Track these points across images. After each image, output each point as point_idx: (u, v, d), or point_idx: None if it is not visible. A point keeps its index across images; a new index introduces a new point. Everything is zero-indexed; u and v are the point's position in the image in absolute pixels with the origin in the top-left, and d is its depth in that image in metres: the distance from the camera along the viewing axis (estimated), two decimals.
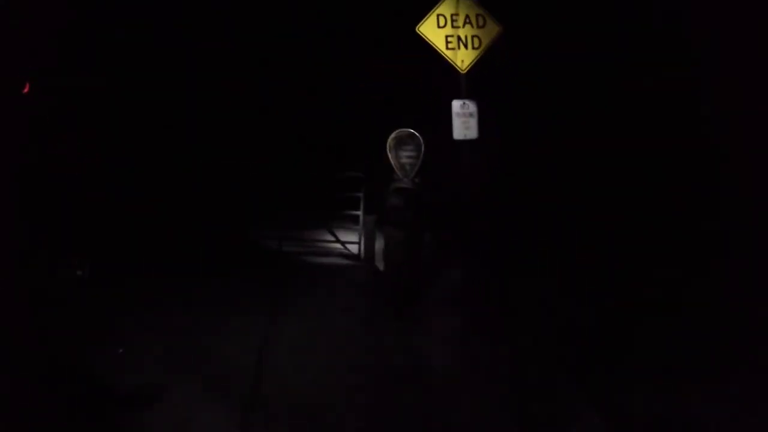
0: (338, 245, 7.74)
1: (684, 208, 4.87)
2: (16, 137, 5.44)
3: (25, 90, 6.44)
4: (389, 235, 5.42)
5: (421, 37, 5.52)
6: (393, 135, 5.41)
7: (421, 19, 5.50)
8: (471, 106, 5.47)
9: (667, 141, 5.16)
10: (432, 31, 5.55)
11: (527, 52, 5.45)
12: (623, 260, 5.09)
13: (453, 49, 5.51)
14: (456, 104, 5.50)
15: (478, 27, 5.51)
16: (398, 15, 6.91)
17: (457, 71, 5.47)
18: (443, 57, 5.51)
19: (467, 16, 5.52)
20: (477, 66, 5.48)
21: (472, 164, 5.67)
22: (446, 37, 5.53)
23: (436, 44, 5.50)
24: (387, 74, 8.01)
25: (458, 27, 5.54)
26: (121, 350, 4.25)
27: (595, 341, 4.35)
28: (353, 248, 7.52)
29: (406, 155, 5.35)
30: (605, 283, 5.01)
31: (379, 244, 6.73)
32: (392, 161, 5.35)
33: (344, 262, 7.19)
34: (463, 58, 5.49)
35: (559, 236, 5.65)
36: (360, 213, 7.20)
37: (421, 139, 5.33)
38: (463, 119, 5.45)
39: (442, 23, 5.53)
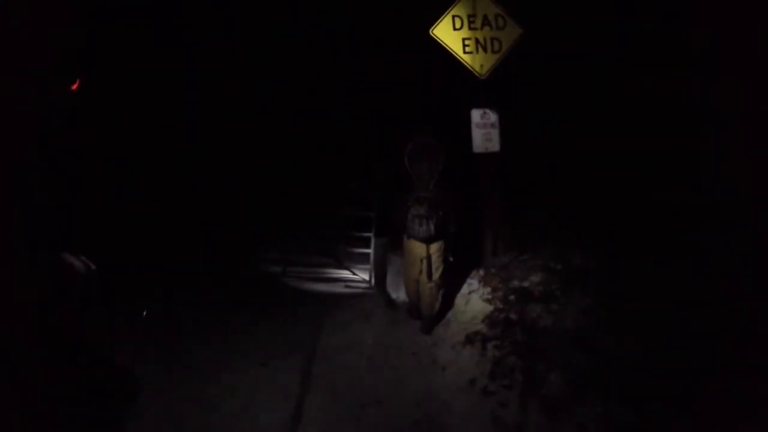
0: (346, 271, 7.28)
1: (683, 208, 4.86)
2: (16, 137, 5.44)
3: (74, 87, 6.34)
4: (410, 248, 5.08)
5: (420, 38, 5.30)
6: (410, 143, 5.09)
7: (421, 19, 5.21)
8: (492, 116, 5.02)
9: (667, 141, 5.15)
10: (447, 33, 5.09)
11: (527, 51, 5.38)
12: (631, 265, 4.67)
13: (471, 52, 5.07)
14: (476, 114, 5.05)
15: (498, 29, 5.07)
16: (398, 15, 6.91)
17: (468, 72, 5.09)
18: (455, 60, 5.09)
19: (485, 17, 5.08)
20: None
21: (495, 180, 5.25)
22: (463, 39, 5.09)
23: (452, 48, 5.07)
24: (387, 74, 8.00)
25: (476, 29, 5.07)
26: (144, 312, 4.07)
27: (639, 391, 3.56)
28: (362, 274, 7.02)
29: (425, 164, 4.99)
30: (623, 299, 4.38)
31: (391, 271, 6.30)
32: (410, 170, 5.03)
33: (354, 290, 6.66)
34: (482, 63, 5.05)
35: (560, 240, 5.52)
36: (371, 235, 6.67)
37: (439, 146, 5.01)
38: (484, 131, 5.03)
39: (458, 25, 5.09)
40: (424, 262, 5.00)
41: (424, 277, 5.04)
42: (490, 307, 4.98)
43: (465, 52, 5.10)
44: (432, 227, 4.85)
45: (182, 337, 4.96)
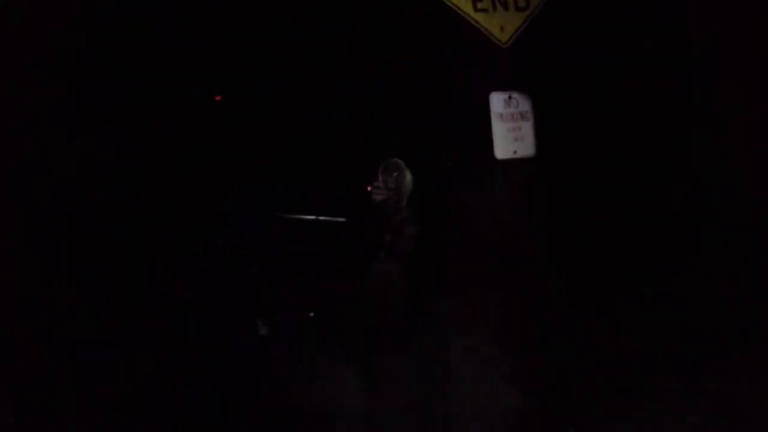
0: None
1: (683, 209, 4.86)
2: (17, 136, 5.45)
3: (218, 98, 6.25)
4: (384, 272, 4.84)
5: (420, 38, 5.21)
6: (382, 163, 4.97)
7: (421, 18, 4.35)
8: (522, 103, 3.63)
9: (666, 141, 5.15)
10: None
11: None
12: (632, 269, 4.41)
13: (485, 10, 3.74)
14: (497, 99, 3.67)
15: None
16: (398, 15, 6.91)
17: (488, 46, 3.71)
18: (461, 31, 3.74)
19: None
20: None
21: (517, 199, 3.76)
22: None
23: (460, 6, 3.78)
24: (387, 74, 7.99)
25: None
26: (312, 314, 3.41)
27: None
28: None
29: (394, 183, 4.83)
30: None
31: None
32: (383, 190, 4.88)
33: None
34: (502, 24, 3.71)
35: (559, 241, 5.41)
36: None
37: (404, 166, 4.84)
38: (510, 125, 3.60)
39: None
40: (403, 284, 4.81)
41: (403, 299, 4.83)
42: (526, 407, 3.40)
43: (477, 10, 3.79)
44: (409, 249, 4.73)
45: None
